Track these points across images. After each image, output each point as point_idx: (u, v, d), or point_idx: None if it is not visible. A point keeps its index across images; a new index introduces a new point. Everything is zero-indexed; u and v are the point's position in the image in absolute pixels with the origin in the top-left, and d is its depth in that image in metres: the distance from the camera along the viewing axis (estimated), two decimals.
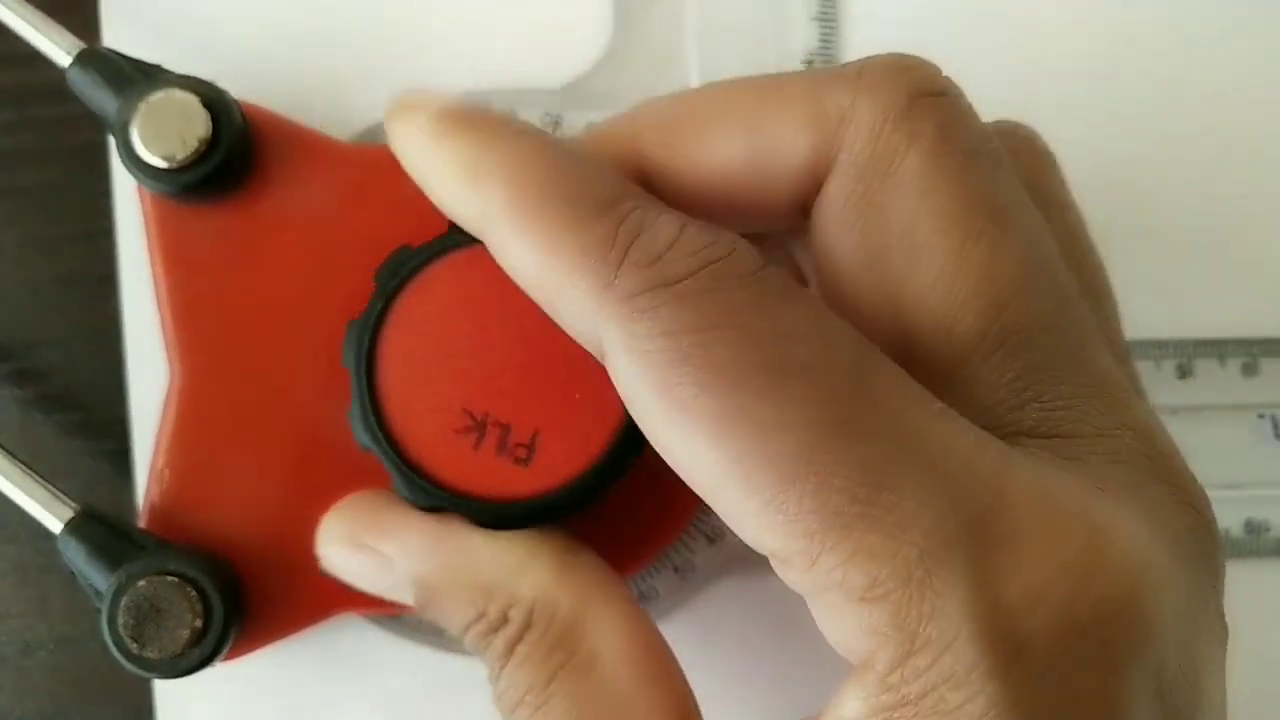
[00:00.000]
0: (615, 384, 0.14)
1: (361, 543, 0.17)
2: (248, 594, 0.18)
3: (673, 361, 0.14)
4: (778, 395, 0.13)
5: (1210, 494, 0.15)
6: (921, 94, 0.15)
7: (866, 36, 0.21)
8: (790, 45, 0.21)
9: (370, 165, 0.19)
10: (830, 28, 0.21)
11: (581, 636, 0.16)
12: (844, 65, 0.16)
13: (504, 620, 0.16)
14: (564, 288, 0.14)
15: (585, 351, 0.15)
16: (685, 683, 0.16)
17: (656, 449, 0.14)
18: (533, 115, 0.20)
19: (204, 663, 0.17)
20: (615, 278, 0.14)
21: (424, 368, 0.17)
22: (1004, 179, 0.15)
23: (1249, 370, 0.21)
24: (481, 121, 0.16)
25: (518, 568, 0.16)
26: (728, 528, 0.14)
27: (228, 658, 0.18)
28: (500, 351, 0.17)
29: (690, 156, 0.16)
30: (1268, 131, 0.22)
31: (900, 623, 0.13)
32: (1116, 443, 0.15)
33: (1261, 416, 0.22)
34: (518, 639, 0.16)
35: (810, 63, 0.21)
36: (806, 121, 0.15)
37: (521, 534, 0.17)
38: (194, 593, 0.17)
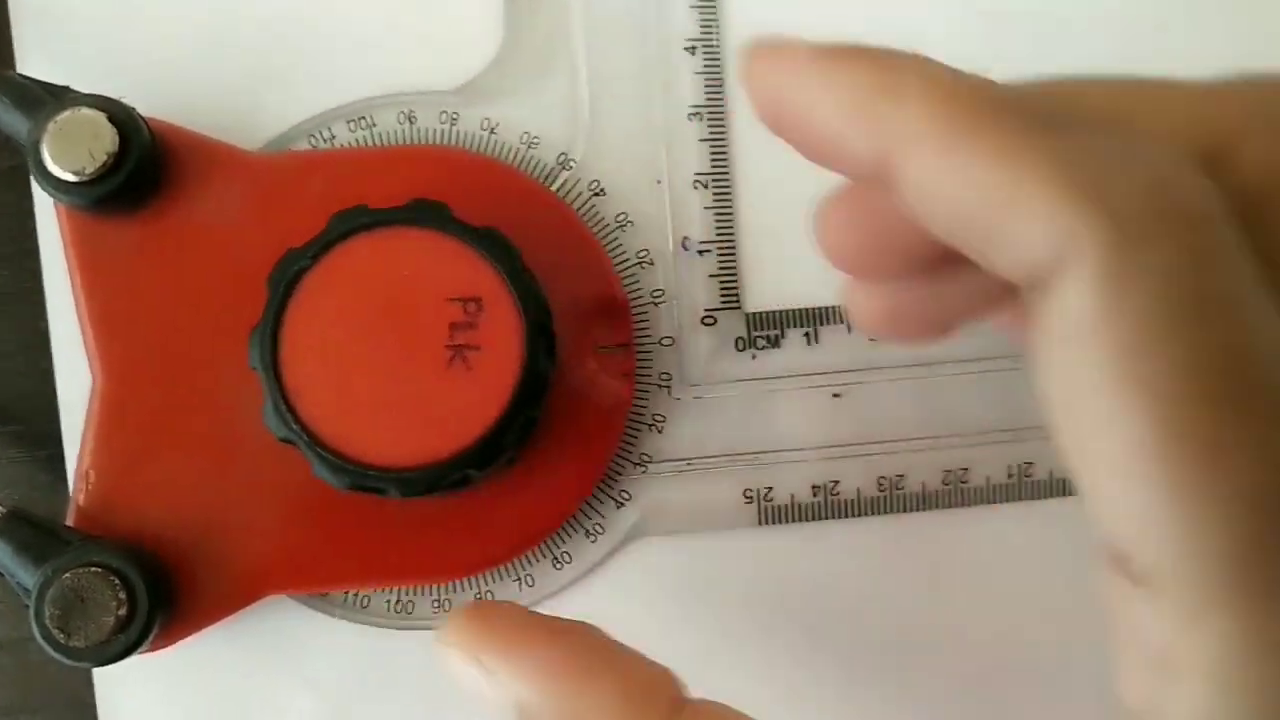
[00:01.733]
0: (1050, 320, 0.12)
1: (476, 658, 0.16)
2: (175, 583, 0.19)
3: (1163, 313, 0.11)
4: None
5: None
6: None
7: (747, 20, 0.22)
8: (671, 31, 0.22)
9: (275, 173, 0.21)
10: (710, 14, 0.22)
11: None
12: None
13: None
14: (1023, 216, 0.12)
15: (469, 319, 0.16)
16: None
17: (1060, 432, 0.12)
18: (430, 115, 0.21)
19: (131, 648, 0.18)
20: (1113, 198, 0.11)
21: (325, 358, 0.18)
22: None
23: None
24: (882, 51, 0.13)
25: (620, 711, 0.15)
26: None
27: (160, 645, 0.19)
28: (392, 332, 0.18)
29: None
30: None
31: None
32: None
33: None
34: None
35: (692, 49, 0.22)
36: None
37: (642, 675, 0.16)
38: (117, 581, 0.18)
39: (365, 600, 0.21)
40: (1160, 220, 0.11)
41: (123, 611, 0.18)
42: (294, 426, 0.18)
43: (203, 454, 0.20)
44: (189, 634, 0.20)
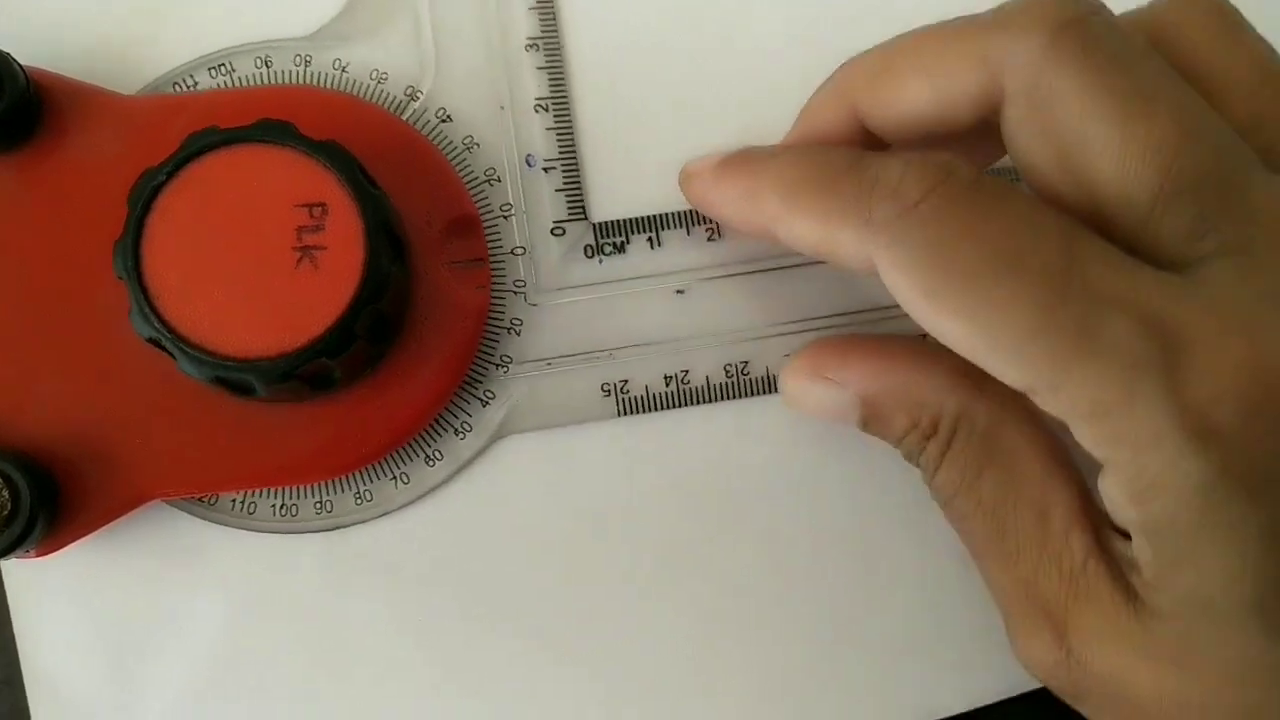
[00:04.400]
0: (891, 290, 0.19)
1: (821, 374, 0.22)
2: (61, 488, 0.21)
3: (927, 270, 0.18)
4: (1010, 279, 0.17)
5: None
6: (1061, 25, 0.19)
7: None
8: None
9: (144, 113, 0.22)
10: None
11: (998, 439, 0.20)
12: (997, 10, 0.20)
13: (934, 430, 0.21)
14: (839, 242, 0.19)
15: (315, 223, 0.20)
16: (1081, 473, 0.20)
17: (931, 333, 0.19)
18: (285, 59, 0.23)
19: (17, 542, 0.20)
20: (871, 215, 0.19)
21: (184, 263, 0.20)
22: (1148, 68, 0.19)
23: None
24: (747, 158, 0.21)
25: (947, 388, 0.21)
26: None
27: (49, 549, 0.21)
28: (245, 237, 0.20)
29: (893, 102, 0.21)
30: None
31: (1120, 432, 0.17)
32: None
33: None
34: (948, 444, 0.20)
35: None
36: (975, 68, 0.19)
37: (945, 360, 0.20)
38: (1, 481, 0.20)
39: (252, 506, 0.23)
40: (904, 214, 0.18)
41: (6, 510, 0.20)
42: (157, 325, 0.19)
43: (82, 367, 0.21)
44: (77, 538, 0.21)
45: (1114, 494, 0.18)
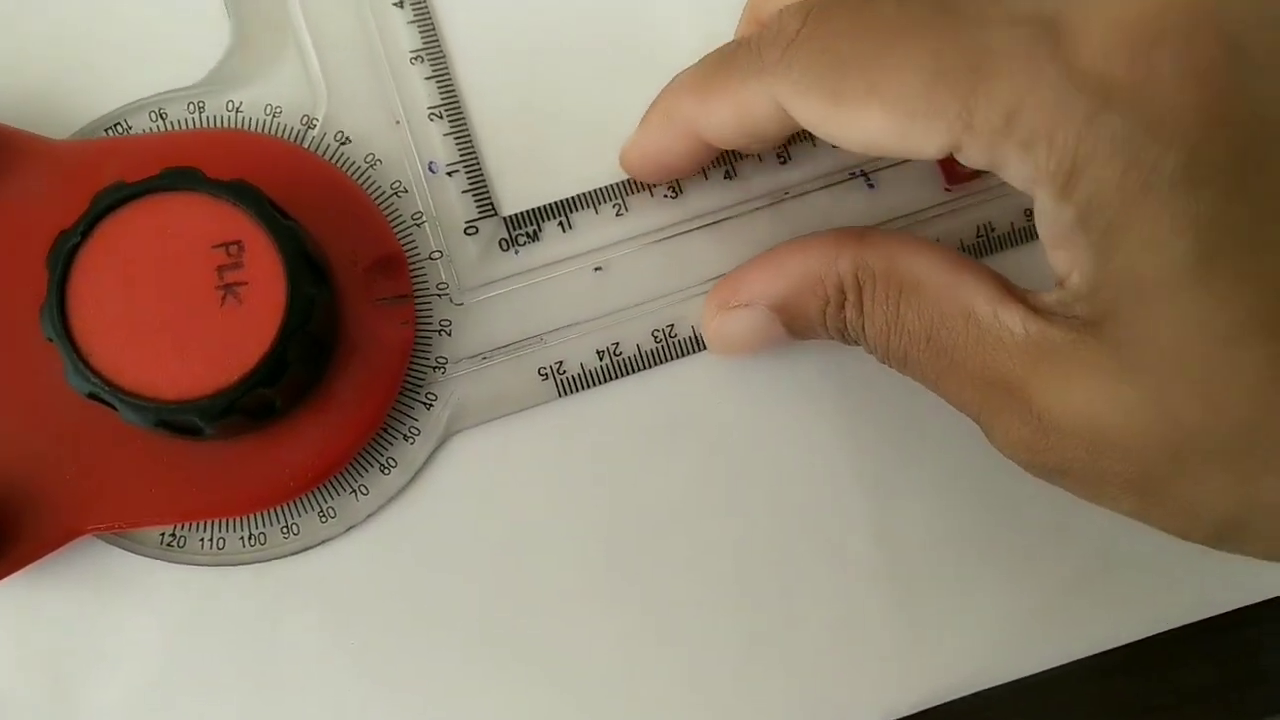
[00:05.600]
0: (805, 122, 0.20)
1: (728, 305, 0.23)
2: None
3: (824, 78, 0.19)
4: (898, 46, 0.18)
5: None
6: None
7: None
8: None
9: (77, 159, 0.23)
10: None
11: (897, 272, 0.21)
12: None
13: (842, 294, 0.21)
14: (750, 106, 0.21)
15: (234, 260, 0.21)
16: (996, 273, 0.20)
17: (850, 145, 0.20)
18: (180, 107, 0.24)
19: None
20: (763, 63, 0.20)
21: (111, 318, 0.21)
22: None
23: None
24: (651, 107, 0.23)
25: (833, 255, 0.22)
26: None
27: None
28: (167, 284, 0.21)
29: (720, 125, 0.22)
30: None
31: (1034, 130, 0.17)
32: None
33: None
34: (859, 298, 0.21)
35: (400, 4, 0.25)
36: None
37: (822, 238, 0.22)
38: None
39: (181, 540, 0.23)
40: (790, 49, 0.20)
41: None
42: (94, 381, 0.20)
43: (12, 407, 0.22)
44: (9, 573, 0.22)
45: (1048, 207, 0.18)
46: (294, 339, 0.21)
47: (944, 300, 0.20)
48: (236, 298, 0.21)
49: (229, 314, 0.21)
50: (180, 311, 0.21)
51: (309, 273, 0.21)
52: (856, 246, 0.21)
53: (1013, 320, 0.19)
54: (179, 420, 0.21)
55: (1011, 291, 0.20)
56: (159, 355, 0.20)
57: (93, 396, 0.20)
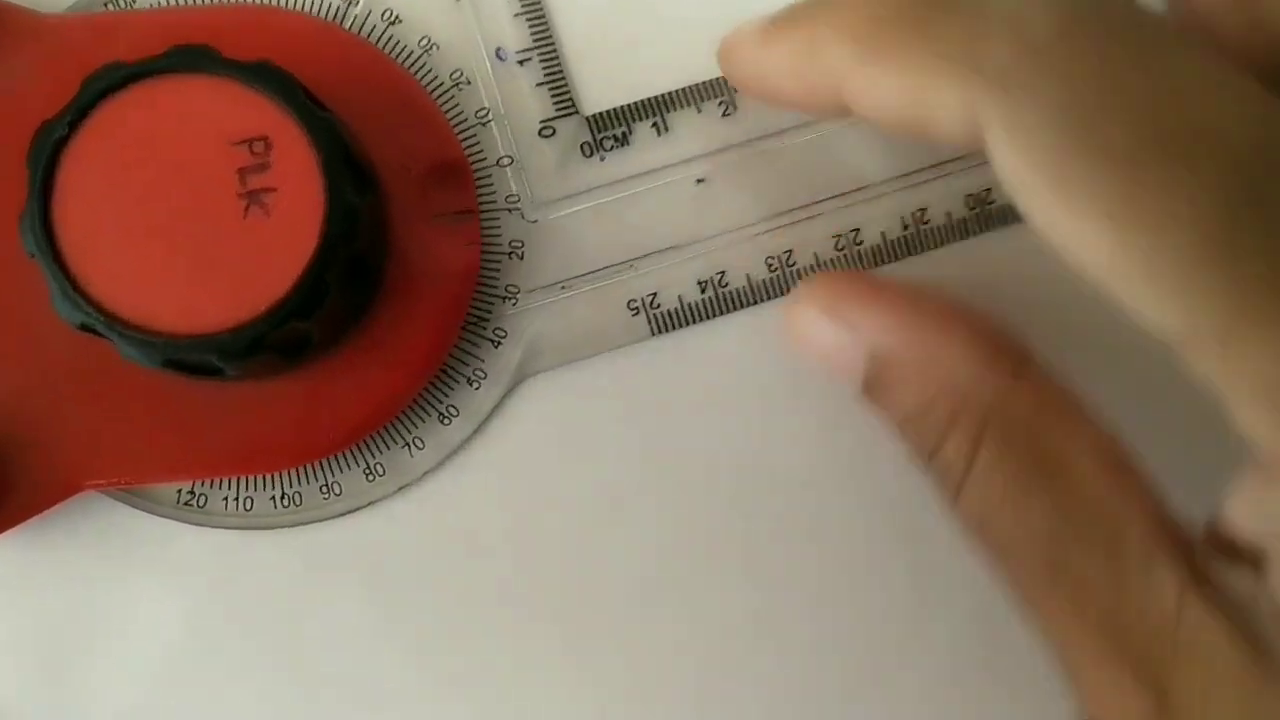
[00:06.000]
0: (997, 169, 0.14)
1: (837, 310, 0.17)
2: None
3: (1059, 142, 0.13)
4: (1180, 171, 0.12)
5: None
6: None
7: None
8: None
9: (72, 37, 0.19)
10: None
11: (1044, 438, 0.15)
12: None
13: (954, 419, 0.16)
14: (934, 102, 0.14)
15: (259, 161, 0.16)
16: (1158, 494, 0.15)
17: (1041, 232, 0.14)
18: None
19: None
20: (982, 62, 0.14)
21: (108, 231, 0.17)
22: None
23: None
24: (807, 6, 0.16)
25: (981, 362, 0.16)
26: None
27: None
28: (177, 190, 0.17)
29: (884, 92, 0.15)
30: None
31: None
32: None
33: None
34: (977, 442, 0.15)
35: None
36: None
37: (993, 333, 0.16)
38: None
39: (202, 499, 0.19)
40: (1028, 59, 0.13)
41: None
42: (88, 310, 0.16)
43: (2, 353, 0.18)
44: (10, 526, 0.18)
45: (1267, 495, 0.13)
46: (334, 259, 0.17)
47: (1090, 506, 0.15)
48: (262, 207, 0.17)
49: (254, 227, 0.17)
50: (193, 224, 0.16)
51: (352, 177, 0.17)
52: (1008, 371, 0.16)
53: (1170, 581, 0.14)
54: (193, 360, 0.17)
55: (1173, 532, 0.15)
56: (167, 278, 0.16)
57: (86, 328, 0.16)
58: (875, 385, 0.17)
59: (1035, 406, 0.16)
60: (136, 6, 0.19)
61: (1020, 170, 0.13)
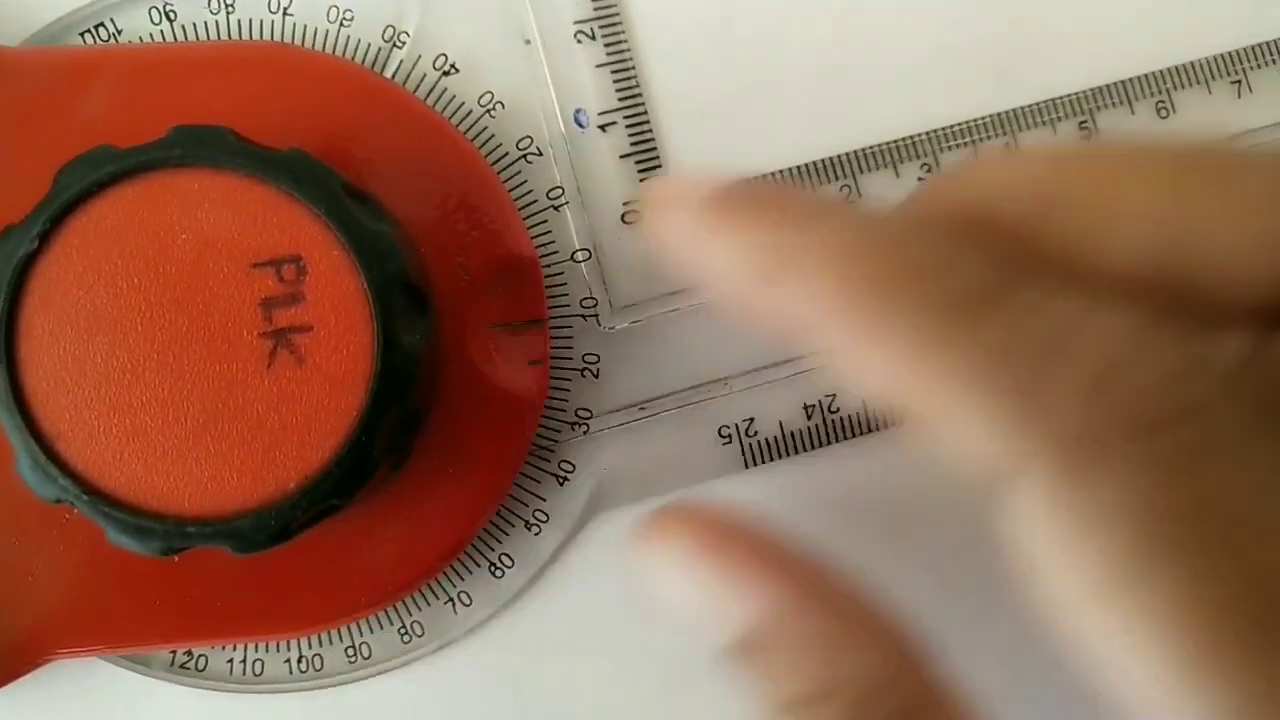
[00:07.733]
0: (1019, 542, 0.10)
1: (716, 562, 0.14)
2: None
3: (1136, 549, 0.10)
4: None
5: None
6: None
7: None
8: None
9: (39, 77, 0.15)
10: None
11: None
12: None
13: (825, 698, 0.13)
14: (947, 414, 0.10)
15: (289, 290, 0.12)
16: None
17: (1070, 637, 0.10)
18: (197, 2, 0.15)
19: None
20: (1043, 409, 0.10)
21: (91, 380, 0.13)
22: None
23: None
24: (779, 202, 0.12)
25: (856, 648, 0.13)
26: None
27: None
28: (182, 327, 0.13)
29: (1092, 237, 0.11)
30: None
31: None
32: None
33: None
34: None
35: None
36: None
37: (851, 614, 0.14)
38: None
39: (201, 661, 0.16)
40: (1109, 432, 0.10)
41: None
42: (64, 483, 0.12)
43: None
44: None
45: None
46: (384, 421, 0.13)
47: None
48: (293, 352, 0.13)
49: (281, 379, 0.13)
50: (203, 374, 0.13)
51: (407, 306, 0.13)
52: (885, 653, 0.13)
53: None
54: (198, 544, 0.13)
55: None
56: (169, 443, 0.13)
57: (61, 503, 0.13)
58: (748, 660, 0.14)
59: (914, 689, 0.13)
60: (123, 39, 0.15)
61: (1055, 561, 0.10)
